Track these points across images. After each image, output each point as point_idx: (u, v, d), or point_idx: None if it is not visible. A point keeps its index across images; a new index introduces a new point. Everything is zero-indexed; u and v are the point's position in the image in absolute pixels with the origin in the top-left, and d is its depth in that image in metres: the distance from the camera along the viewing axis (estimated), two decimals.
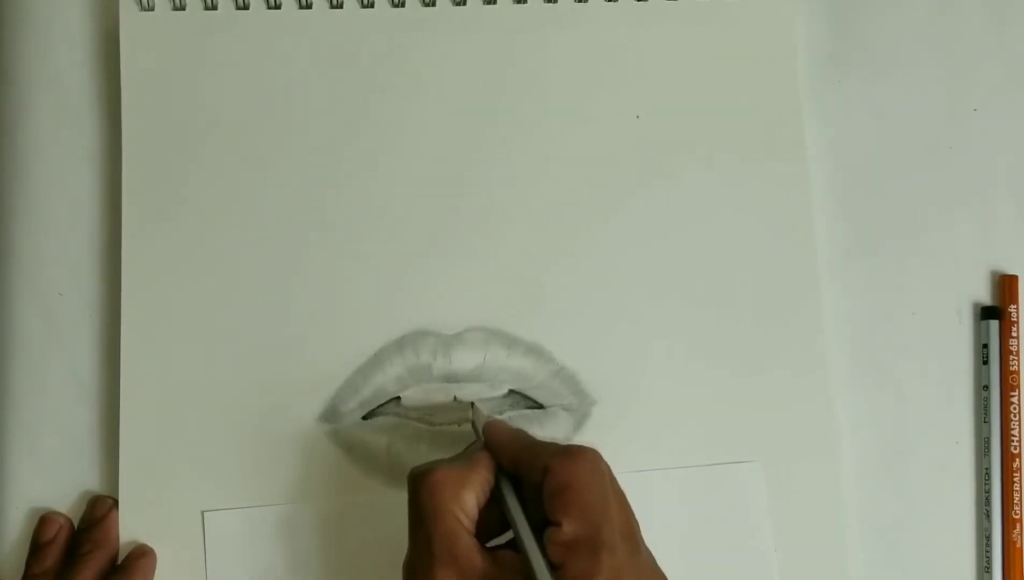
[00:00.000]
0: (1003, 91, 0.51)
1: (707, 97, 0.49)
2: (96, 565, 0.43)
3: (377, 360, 0.45)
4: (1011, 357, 0.48)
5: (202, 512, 0.44)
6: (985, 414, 0.48)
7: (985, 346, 0.48)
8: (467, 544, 0.36)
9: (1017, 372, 0.48)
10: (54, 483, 0.45)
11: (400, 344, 0.45)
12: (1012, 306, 0.49)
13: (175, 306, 0.45)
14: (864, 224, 0.49)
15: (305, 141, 0.47)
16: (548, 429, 0.45)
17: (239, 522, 0.44)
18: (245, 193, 0.46)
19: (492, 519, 0.38)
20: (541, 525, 0.36)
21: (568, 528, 0.35)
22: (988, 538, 0.47)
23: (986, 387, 0.48)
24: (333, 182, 0.46)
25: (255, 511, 0.44)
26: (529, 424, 0.45)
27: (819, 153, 0.49)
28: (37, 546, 0.43)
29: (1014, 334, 0.48)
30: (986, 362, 0.48)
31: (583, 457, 0.37)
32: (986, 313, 0.49)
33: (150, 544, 0.43)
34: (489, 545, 0.37)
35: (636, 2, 0.49)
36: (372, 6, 0.48)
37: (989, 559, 0.47)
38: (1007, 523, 0.47)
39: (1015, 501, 0.47)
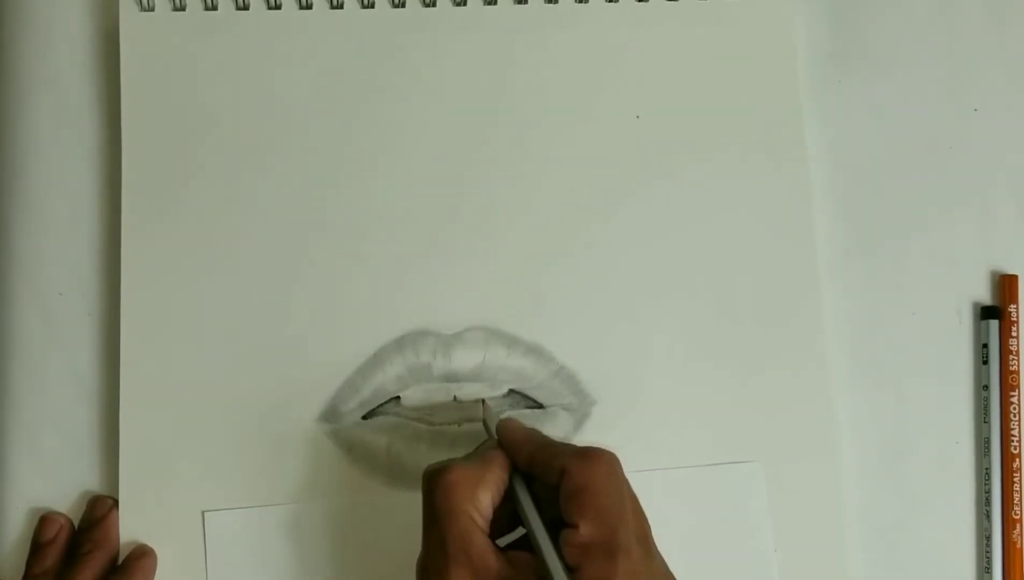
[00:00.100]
0: (1003, 91, 0.51)
1: (707, 97, 0.49)
2: (96, 565, 0.43)
3: (377, 360, 0.45)
4: (1011, 357, 0.48)
5: (202, 512, 0.44)
6: (985, 414, 0.48)
7: (985, 346, 0.48)
8: (481, 544, 0.36)
9: (1017, 372, 0.48)
10: (54, 483, 0.45)
11: (400, 344, 0.45)
12: (1012, 306, 0.49)
13: (175, 306, 0.45)
14: (864, 224, 0.49)
15: (305, 141, 0.47)
16: (548, 429, 0.45)
17: (239, 522, 0.44)
18: (245, 193, 0.46)
19: (504, 518, 0.38)
20: (554, 525, 0.36)
21: (584, 530, 0.35)
22: (988, 538, 0.47)
23: (986, 387, 0.48)
24: (333, 182, 0.46)
25: (255, 511, 0.44)
26: (529, 424, 0.45)
27: (819, 153, 0.49)
28: (37, 546, 0.43)
29: (1014, 334, 0.48)
30: (986, 362, 0.48)
31: (600, 459, 0.37)
32: (986, 313, 0.49)
33: (150, 544, 0.43)
34: (500, 542, 0.37)
35: (636, 2, 0.49)
36: (372, 6, 0.48)
37: (989, 559, 0.47)
38: (1007, 523, 0.47)
39: (1015, 501, 0.47)
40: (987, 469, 0.47)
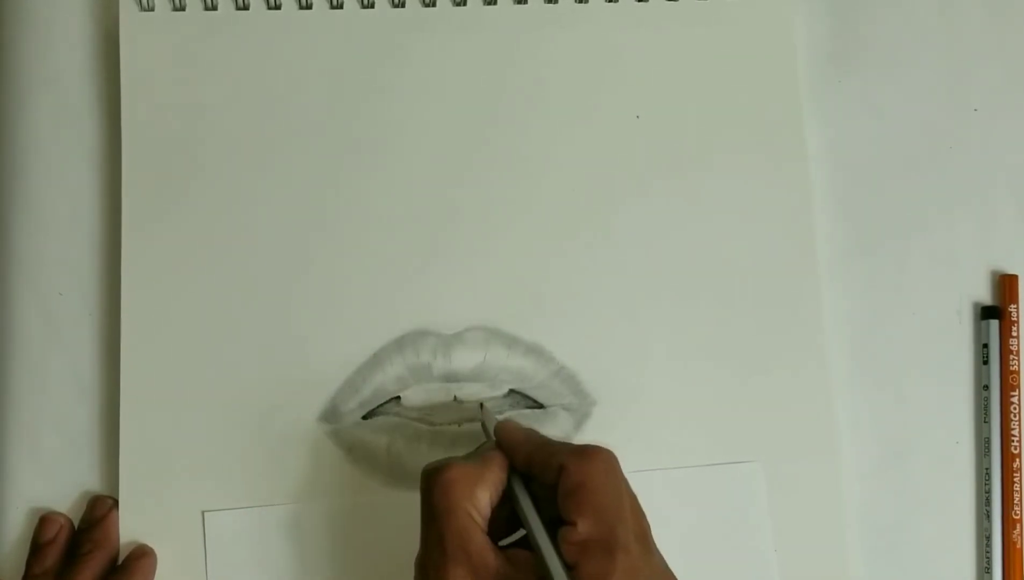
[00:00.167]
0: (1003, 91, 0.51)
1: (707, 97, 0.49)
2: (96, 565, 0.43)
3: (377, 360, 0.45)
4: (1011, 357, 0.48)
5: (202, 512, 0.44)
6: (985, 414, 0.48)
7: (985, 346, 0.48)
8: (480, 542, 0.36)
9: (1017, 372, 0.48)
10: (54, 483, 0.44)
11: (400, 344, 0.45)
12: (1012, 306, 0.49)
13: (175, 306, 0.45)
14: (864, 224, 0.49)
15: (305, 141, 0.47)
16: (548, 429, 0.45)
17: (239, 522, 0.44)
18: (245, 193, 0.46)
19: (503, 519, 0.38)
20: (553, 524, 0.36)
21: (583, 528, 0.35)
22: (988, 538, 0.47)
23: (986, 387, 0.48)
24: (333, 182, 0.46)
25: (255, 511, 0.44)
26: (529, 424, 0.45)
27: (819, 153, 0.49)
28: (37, 546, 0.43)
29: (1014, 334, 0.48)
30: (986, 362, 0.48)
31: (598, 457, 0.37)
32: (986, 313, 0.49)
33: (150, 544, 0.43)
34: (500, 544, 0.37)
35: (636, 2, 0.49)
36: (372, 6, 0.48)
37: (989, 559, 0.47)
38: (1007, 523, 0.47)
39: (1015, 501, 0.47)
40: (987, 469, 0.47)
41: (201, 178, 0.46)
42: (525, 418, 0.45)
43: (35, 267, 0.46)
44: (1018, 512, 0.47)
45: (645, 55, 0.49)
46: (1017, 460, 0.47)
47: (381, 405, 0.45)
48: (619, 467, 0.37)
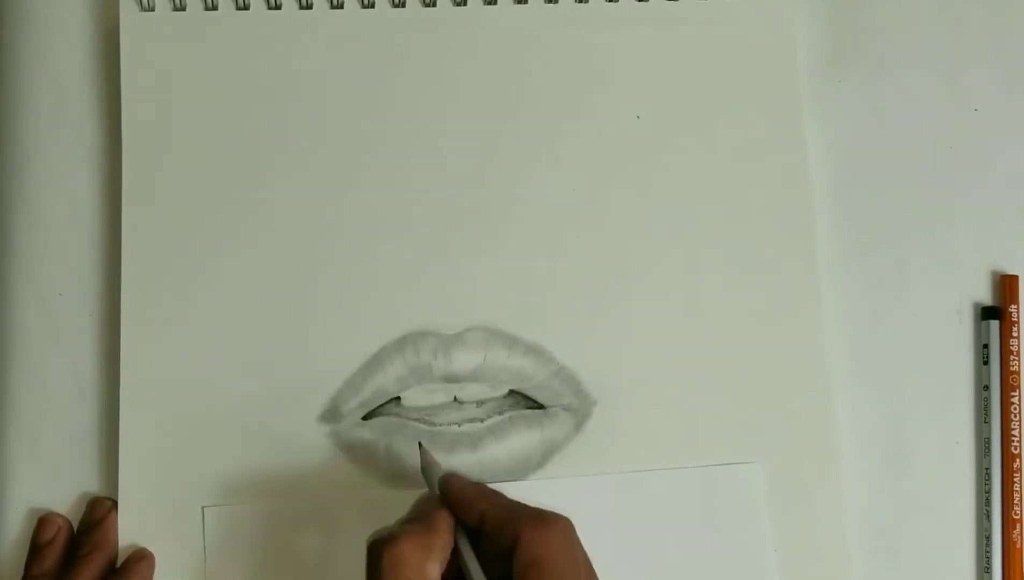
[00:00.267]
0: (1003, 91, 0.51)
1: (707, 97, 0.49)
2: (95, 567, 0.42)
3: (377, 360, 0.45)
4: (1011, 357, 0.48)
5: (202, 510, 0.44)
6: (985, 414, 0.48)
7: (985, 346, 0.48)
8: None
9: (1017, 372, 0.48)
10: (54, 484, 0.44)
11: (400, 344, 0.45)
12: (1012, 306, 0.49)
13: (175, 306, 0.45)
14: (864, 224, 0.49)
15: (305, 141, 0.47)
16: (548, 429, 0.45)
17: (239, 522, 0.44)
18: (245, 193, 0.46)
19: (451, 577, 0.37)
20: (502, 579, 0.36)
21: None
22: (988, 538, 0.47)
23: (986, 387, 0.48)
24: (332, 182, 0.46)
25: (255, 511, 0.44)
26: (529, 424, 0.45)
27: (819, 153, 0.49)
28: (36, 547, 0.43)
29: (1014, 334, 0.48)
30: (986, 362, 0.48)
31: (556, 527, 0.36)
32: (986, 313, 0.49)
33: (150, 544, 0.43)
34: None
35: (636, 2, 0.49)
36: (372, 6, 0.48)
37: (989, 559, 0.47)
38: (1007, 523, 0.47)
39: (1015, 501, 0.47)
40: (987, 469, 0.47)
41: (201, 178, 0.46)
42: (525, 418, 0.45)
43: (35, 267, 0.46)
44: (1018, 512, 0.47)
45: (645, 55, 0.49)
46: (1017, 460, 0.47)
47: (381, 405, 0.45)
48: (576, 537, 0.37)
